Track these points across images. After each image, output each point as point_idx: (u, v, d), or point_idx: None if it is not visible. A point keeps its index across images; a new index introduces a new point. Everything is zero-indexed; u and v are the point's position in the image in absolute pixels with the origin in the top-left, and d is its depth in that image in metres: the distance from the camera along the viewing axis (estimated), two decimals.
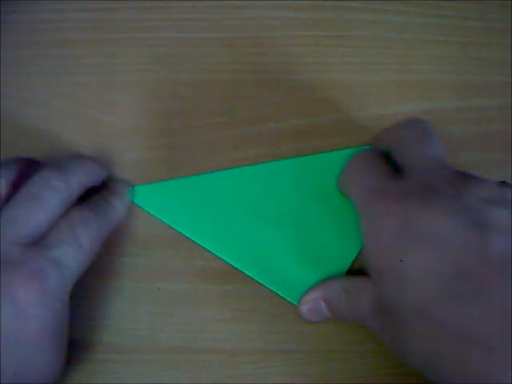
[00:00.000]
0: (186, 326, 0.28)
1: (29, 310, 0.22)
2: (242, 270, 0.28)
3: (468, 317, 0.19)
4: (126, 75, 0.31)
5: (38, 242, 0.23)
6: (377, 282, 0.23)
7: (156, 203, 0.29)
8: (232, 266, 0.28)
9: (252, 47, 0.32)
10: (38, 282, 0.22)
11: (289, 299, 0.28)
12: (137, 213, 0.29)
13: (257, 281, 0.28)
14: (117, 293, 0.28)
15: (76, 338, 0.27)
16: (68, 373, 0.27)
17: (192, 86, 0.31)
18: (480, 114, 0.31)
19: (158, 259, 0.29)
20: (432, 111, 0.31)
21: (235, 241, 0.28)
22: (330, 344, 0.28)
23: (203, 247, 0.28)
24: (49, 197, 0.24)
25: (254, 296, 0.28)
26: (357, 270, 0.28)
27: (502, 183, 0.23)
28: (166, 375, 0.27)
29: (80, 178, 0.25)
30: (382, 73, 0.31)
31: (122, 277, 0.28)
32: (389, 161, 0.26)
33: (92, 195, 0.27)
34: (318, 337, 0.28)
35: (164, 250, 0.29)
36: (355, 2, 0.32)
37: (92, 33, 0.32)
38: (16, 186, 0.25)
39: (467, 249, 0.20)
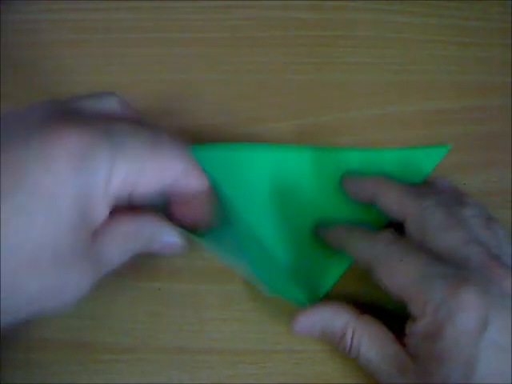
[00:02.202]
0: (185, 325, 0.28)
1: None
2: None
3: None
4: (126, 75, 0.31)
5: None
6: (431, 362, 0.22)
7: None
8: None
9: (252, 47, 0.32)
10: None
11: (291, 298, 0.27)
12: None
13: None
14: (117, 293, 0.28)
15: (76, 337, 0.27)
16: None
17: (192, 86, 0.31)
18: (480, 113, 0.31)
19: (158, 259, 0.29)
20: (432, 111, 0.31)
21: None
22: (329, 344, 0.28)
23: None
24: None
25: (254, 296, 0.28)
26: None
27: None
28: (165, 375, 0.27)
29: None
30: (382, 73, 0.31)
31: (122, 276, 0.28)
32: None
33: None
34: None
35: None
36: (355, 2, 0.32)
37: (92, 33, 0.32)
38: None
39: None
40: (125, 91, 0.31)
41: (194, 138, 0.30)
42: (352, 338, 0.25)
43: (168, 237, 0.24)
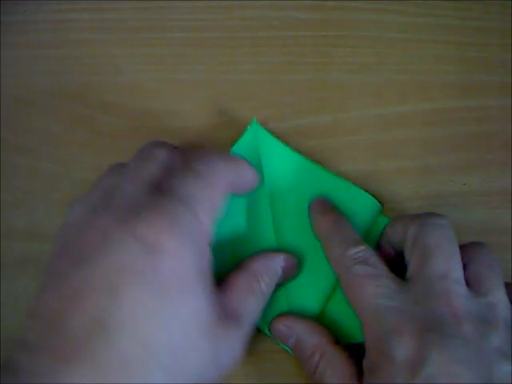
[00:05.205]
0: None
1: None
2: None
3: None
4: (127, 75, 0.31)
5: None
6: None
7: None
8: None
9: (252, 47, 0.32)
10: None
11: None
12: None
13: None
14: None
15: None
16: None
17: (192, 86, 0.31)
18: (480, 113, 0.31)
19: None
20: (432, 111, 0.31)
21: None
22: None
23: None
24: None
25: None
26: None
27: None
28: None
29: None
30: (382, 73, 0.31)
31: None
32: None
33: None
34: None
35: None
36: (355, 2, 0.32)
37: (92, 33, 0.32)
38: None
39: None
40: (125, 91, 0.31)
41: (193, 138, 0.30)
42: (318, 362, 0.24)
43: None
